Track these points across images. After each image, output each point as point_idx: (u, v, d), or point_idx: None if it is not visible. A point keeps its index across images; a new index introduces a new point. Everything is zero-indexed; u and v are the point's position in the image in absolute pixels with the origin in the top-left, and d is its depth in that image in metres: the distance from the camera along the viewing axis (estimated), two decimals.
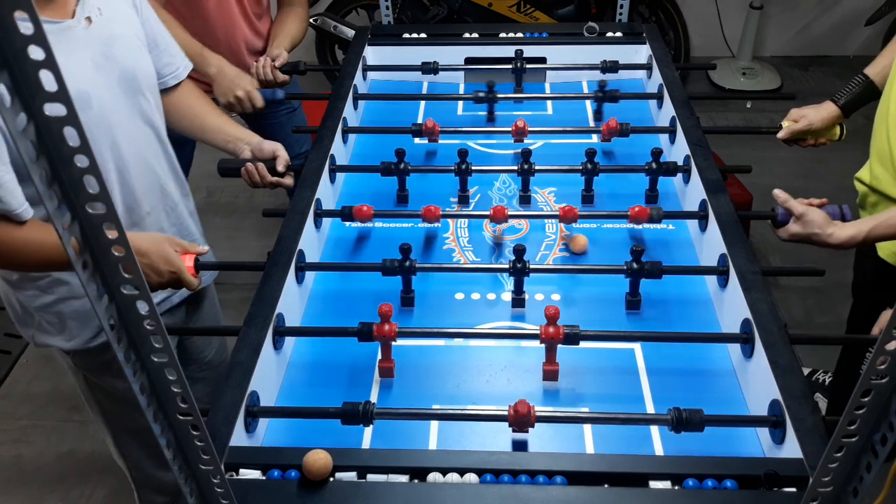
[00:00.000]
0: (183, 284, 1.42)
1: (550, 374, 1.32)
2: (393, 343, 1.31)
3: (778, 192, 1.55)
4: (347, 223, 1.71)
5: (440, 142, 1.93)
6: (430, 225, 1.66)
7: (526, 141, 1.92)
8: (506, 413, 1.16)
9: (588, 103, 2.13)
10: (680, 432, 1.16)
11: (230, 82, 2.02)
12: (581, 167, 1.73)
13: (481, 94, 2.01)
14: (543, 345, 1.29)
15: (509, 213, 1.59)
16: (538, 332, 1.28)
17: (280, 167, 1.70)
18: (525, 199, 1.77)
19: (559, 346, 1.29)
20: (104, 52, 1.40)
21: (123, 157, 1.46)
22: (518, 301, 1.48)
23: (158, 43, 1.60)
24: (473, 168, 1.74)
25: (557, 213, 1.59)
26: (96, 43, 1.38)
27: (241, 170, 1.71)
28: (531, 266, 1.45)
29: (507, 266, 1.46)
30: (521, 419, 1.16)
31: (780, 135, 1.83)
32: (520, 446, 1.22)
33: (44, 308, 1.53)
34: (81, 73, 1.35)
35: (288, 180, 1.72)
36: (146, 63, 1.53)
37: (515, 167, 1.73)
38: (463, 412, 1.25)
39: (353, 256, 1.66)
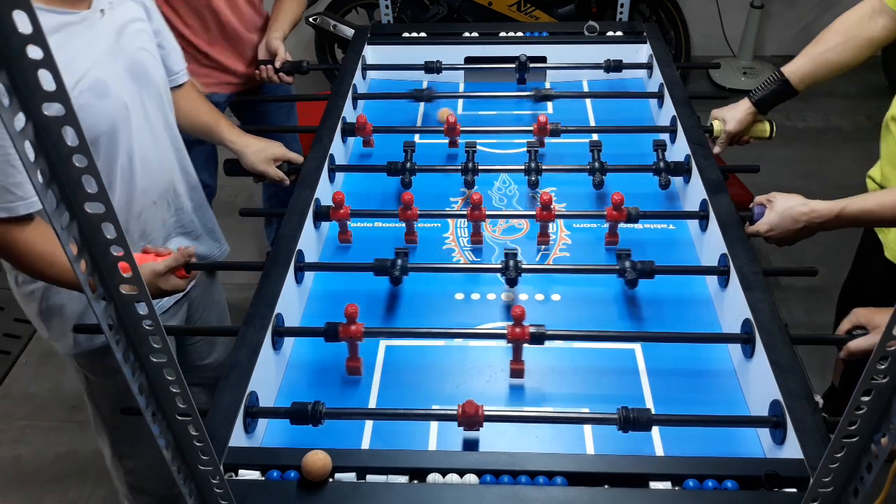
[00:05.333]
0: (170, 291, 1.46)
1: (517, 372, 1.33)
2: (385, 343, 1.34)
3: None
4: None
5: (440, 142, 1.93)
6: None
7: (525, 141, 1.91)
8: (455, 412, 1.17)
9: (588, 102, 2.12)
10: (628, 432, 1.16)
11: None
12: (588, 166, 1.72)
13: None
14: (511, 344, 1.31)
15: (487, 213, 1.59)
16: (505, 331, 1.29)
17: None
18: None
19: (555, 345, 1.30)
20: (114, 42, 1.44)
21: (133, 147, 1.48)
22: None
23: (164, 45, 1.64)
24: (480, 168, 1.73)
25: (535, 213, 1.58)
26: (109, 33, 1.42)
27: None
28: (524, 266, 1.45)
29: (503, 266, 1.45)
30: (469, 418, 1.16)
31: (720, 140, 1.83)
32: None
33: (47, 311, 1.54)
34: (98, 61, 1.38)
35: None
36: (154, 54, 1.56)
37: (521, 167, 1.73)
38: (413, 412, 1.25)
39: (353, 256, 1.66)
